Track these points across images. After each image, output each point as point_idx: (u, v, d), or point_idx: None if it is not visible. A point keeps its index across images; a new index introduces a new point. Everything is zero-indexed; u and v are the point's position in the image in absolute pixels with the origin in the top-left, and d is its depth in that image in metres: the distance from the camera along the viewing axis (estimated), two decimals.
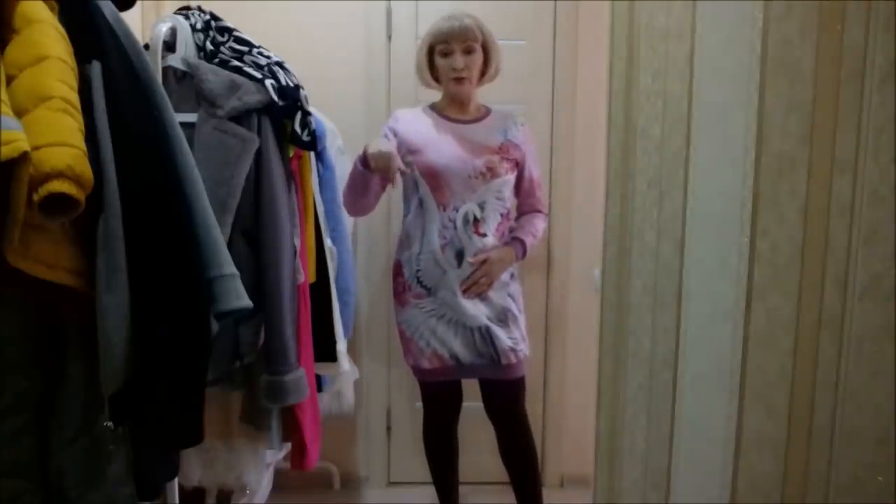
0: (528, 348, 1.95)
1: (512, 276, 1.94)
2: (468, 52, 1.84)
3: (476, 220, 1.84)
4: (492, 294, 1.87)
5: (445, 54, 1.85)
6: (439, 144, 1.87)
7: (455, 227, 1.83)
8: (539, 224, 2.02)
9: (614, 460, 1.37)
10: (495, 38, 1.91)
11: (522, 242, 1.94)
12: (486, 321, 1.85)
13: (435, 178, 1.85)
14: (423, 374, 1.94)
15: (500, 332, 1.86)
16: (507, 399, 1.97)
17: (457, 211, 1.84)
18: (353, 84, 2.39)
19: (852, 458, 1.22)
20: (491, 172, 1.85)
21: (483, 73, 1.91)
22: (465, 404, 2.10)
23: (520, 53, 2.33)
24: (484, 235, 1.85)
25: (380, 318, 2.48)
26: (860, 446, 1.21)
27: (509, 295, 1.91)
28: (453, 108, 1.94)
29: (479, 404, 2.01)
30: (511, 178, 1.91)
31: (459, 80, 1.85)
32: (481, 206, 1.85)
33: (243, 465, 1.69)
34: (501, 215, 1.90)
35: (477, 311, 1.85)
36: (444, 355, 1.87)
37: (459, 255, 1.84)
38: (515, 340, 1.89)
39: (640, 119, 1.27)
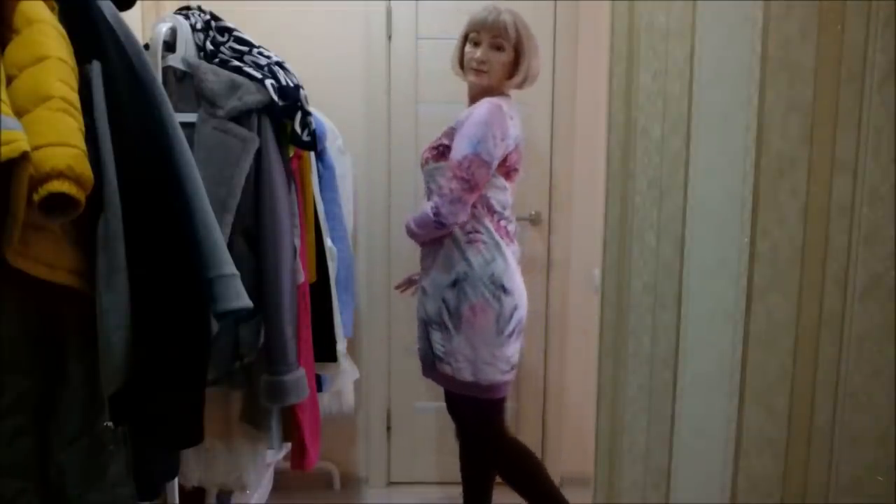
0: (474, 374, 1.75)
1: (455, 282, 1.74)
2: (496, 47, 1.78)
3: None
4: (429, 290, 1.81)
5: (475, 43, 1.81)
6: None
7: None
8: (422, 209, 1.79)
9: (614, 460, 1.37)
10: (535, 45, 1.84)
11: (405, 220, 1.87)
12: (423, 315, 1.83)
13: None
14: None
15: (435, 335, 1.79)
16: (455, 414, 1.92)
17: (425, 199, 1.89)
18: (353, 84, 2.39)
19: (852, 458, 1.22)
20: (423, 163, 1.86)
21: (511, 76, 1.83)
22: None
23: None
24: None
25: (380, 318, 2.48)
26: (860, 446, 1.21)
27: (443, 300, 1.76)
28: (469, 103, 1.90)
29: None
30: (438, 165, 1.80)
31: (477, 71, 1.80)
32: (427, 196, 1.86)
33: (243, 465, 1.69)
34: None
35: (420, 303, 1.86)
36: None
37: None
38: (445, 353, 1.77)
39: (640, 119, 1.27)
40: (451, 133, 1.78)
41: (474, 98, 1.86)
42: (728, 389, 1.26)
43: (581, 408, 2.47)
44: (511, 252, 1.81)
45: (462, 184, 1.69)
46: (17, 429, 0.93)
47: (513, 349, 1.79)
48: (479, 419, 1.86)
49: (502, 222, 1.81)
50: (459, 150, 1.71)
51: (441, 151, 1.79)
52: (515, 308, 1.77)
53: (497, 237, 1.77)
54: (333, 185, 2.07)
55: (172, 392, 1.10)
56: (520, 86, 1.87)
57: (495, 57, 1.79)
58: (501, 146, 1.73)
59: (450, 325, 1.75)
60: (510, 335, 1.76)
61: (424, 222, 1.77)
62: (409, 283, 2.10)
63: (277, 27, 2.32)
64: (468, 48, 1.82)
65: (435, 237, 1.79)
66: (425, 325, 1.83)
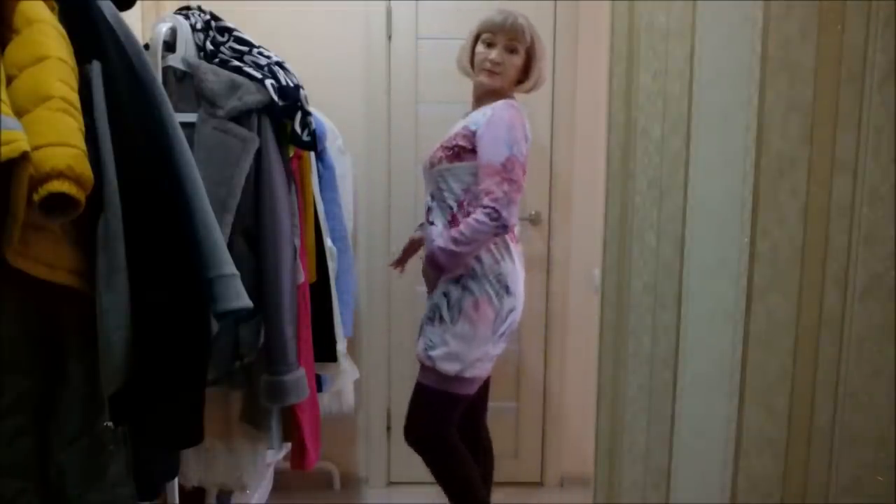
0: (460, 369, 1.74)
1: (460, 277, 1.75)
2: (511, 50, 1.81)
3: (430, 209, 1.85)
4: (435, 290, 1.83)
5: (488, 44, 1.82)
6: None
7: (425, 216, 1.89)
8: (469, 221, 1.70)
9: (614, 460, 1.37)
10: (545, 50, 1.86)
11: (434, 249, 1.76)
12: (424, 312, 1.85)
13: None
14: None
15: (426, 328, 1.82)
16: (416, 411, 1.86)
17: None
18: (353, 84, 2.39)
19: (852, 458, 1.22)
20: (435, 163, 1.83)
21: (520, 81, 1.86)
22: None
23: None
24: (432, 224, 1.83)
25: (380, 318, 2.48)
26: (860, 446, 1.21)
27: (444, 294, 1.77)
28: (474, 104, 1.90)
29: None
30: (452, 166, 1.78)
31: (491, 73, 1.81)
32: (432, 196, 1.86)
33: (243, 465, 1.69)
34: (451, 208, 1.78)
35: (427, 302, 1.86)
36: None
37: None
38: (429, 345, 1.77)
39: (640, 119, 1.27)
40: (469, 135, 1.76)
41: (480, 99, 1.87)
42: (728, 389, 1.26)
43: (581, 408, 2.47)
44: (518, 254, 1.82)
45: (511, 185, 1.68)
46: (17, 429, 0.93)
47: (499, 349, 1.80)
48: (440, 415, 1.82)
49: None
50: (498, 153, 1.69)
51: (457, 153, 1.78)
52: (512, 310, 1.78)
53: (507, 238, 1.78)
54: (333, 185, 2.07)
55: (172, 392, 1.10)
56: (529, 90, 1.89)
57: (509, 59, 1.81)
58: (525, 147, 1.76)
59: (447, 318, 1.75)
60: (501, 335, 1.78)
61: (480, 231, 1.67)
62: (406, 254, 2.12)
63: (277, 27, 2.32)
64: (480, 48, 1.83)
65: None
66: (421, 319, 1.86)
